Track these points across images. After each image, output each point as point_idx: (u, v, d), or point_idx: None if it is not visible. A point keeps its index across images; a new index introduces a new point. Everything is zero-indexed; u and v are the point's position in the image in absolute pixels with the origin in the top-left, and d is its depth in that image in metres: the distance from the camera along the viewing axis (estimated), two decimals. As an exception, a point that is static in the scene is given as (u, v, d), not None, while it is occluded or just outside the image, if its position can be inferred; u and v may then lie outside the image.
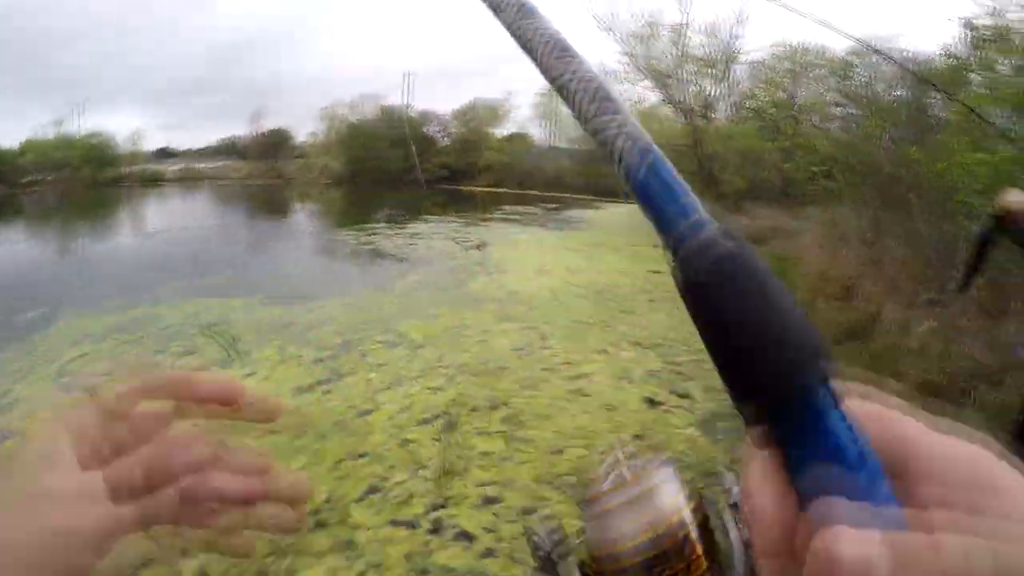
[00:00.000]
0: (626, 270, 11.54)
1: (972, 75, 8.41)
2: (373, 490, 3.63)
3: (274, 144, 49.10)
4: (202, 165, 48.62)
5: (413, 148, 42.39)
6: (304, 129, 50.64)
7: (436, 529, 3.31)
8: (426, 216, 20.13)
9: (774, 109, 25.22)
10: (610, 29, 25.64)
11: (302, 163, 47.45)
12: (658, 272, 11.57)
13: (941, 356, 5.07)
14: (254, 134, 49.67)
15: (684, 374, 5.95)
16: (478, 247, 13.65)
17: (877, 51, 10.96)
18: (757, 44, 32.31)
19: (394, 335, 6.59)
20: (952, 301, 4.58)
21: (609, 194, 37.55)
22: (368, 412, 4.66)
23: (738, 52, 26.08)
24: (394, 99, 48.17)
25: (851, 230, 11.04)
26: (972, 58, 8.91)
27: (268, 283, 9.17)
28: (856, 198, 12.27)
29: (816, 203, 15.45)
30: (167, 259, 11.98)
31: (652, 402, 5.23)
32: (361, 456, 4.01)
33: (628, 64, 26.78)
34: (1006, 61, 7.74)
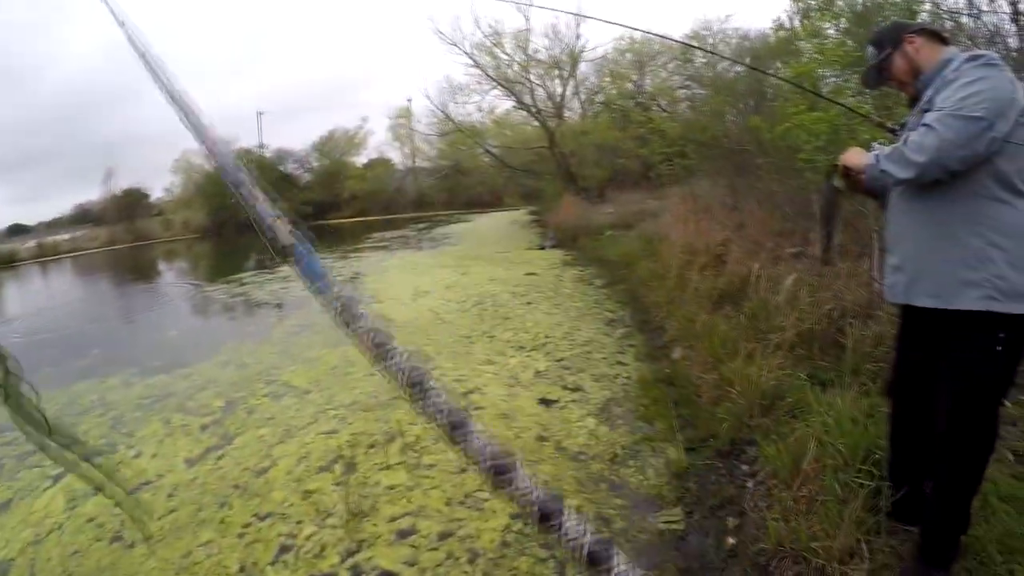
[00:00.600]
0: (500, 277, 11.66)
1: (803, 44, 8.87)
2: (284, 549, 3.46)
3: (130, 204, 47.10)
4: (58, 237, 45.93)
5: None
6: (160, 184, 48.66)
7: (356, 575, 3.22)
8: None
9: (623, 100, 26.03)
10: (455, 43, 25.95)
11: (162, 220, 45.77)
12: (532, 274, 11.73)
13: (811, 304, 5.30)
14: (108, 196, 47.53)
15: (572, 368, 6.05)
16: (351, 279, 13.46)
17: (690, 45, 11.51)
18: (600, 40, 33.21)
19: (279, 385, 6.37)
20: (823, 264, 4.79)
21: (474, 205, 37.89)
22: (265, 470, 4.47)
23: (582, 50, 26.81)
24: (247, 141, 46.96)
25: (712, 201, 11.48)
26: (801, 28, 9.43)
27: (142, 354, 8.70)
28: (711, 171, 12.80)
29: (675, 182, 16.05)
30: (33, 346, 11.21)
31: (546, 402, 5.28)
32: (266, 517, 3.83)
33: (477, 75, 27.16)
34: (833, 26, 8.20)
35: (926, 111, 2.37)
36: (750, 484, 3.66)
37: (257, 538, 3.60)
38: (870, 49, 2.75)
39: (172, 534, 3.76)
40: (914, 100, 2.62)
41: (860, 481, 2.96)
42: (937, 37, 2.60)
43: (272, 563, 3.35)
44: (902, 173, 2.32)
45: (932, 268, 2.40)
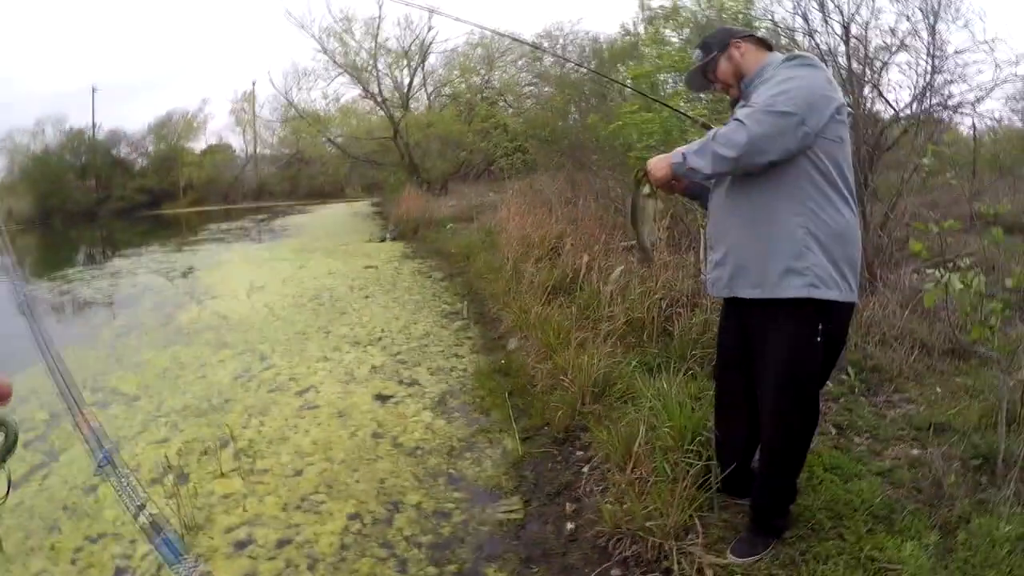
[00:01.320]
0: (338, 271, 11.48)
1: (646, 49, 9.18)
2: (120, 572, 3.20)
3: (-56, 192, 42.93)
4: None
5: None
6: (-21, 168, 44.15)
7: (196, 592, 3.06)
8: (128, 250, 18.67)
9: (470, 94, 26.16)
10: (303, 26, 25.25)
11: (-19, 209, 41.94)
12: (371, 267, 11.61)
13: (641, 294, 5.50)
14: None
15: (408, 362, 6.05)
16: (184, 275, 12.86)
17: (538, 47, 11.79)
18: (451, 32, 33.27)
19: (105, 392, 5.89)
20: (641, 265, 5.00)
21: (316, 196, 36.94)
22: (95, 487, 4.06)
23: (432, 42, 26.68)
24: (78, 120, 43.30)
25: (551, 195, 11.74)
26: (645, 34, 9.78)
27: (-47, 360, 7.97)
28: (552, 166, 13.11)
29: (516, 176, 16.33)
30: None
31: (382, 397, 5.24)
32: (99, 538, 3.54)
33: (325, 61, 26.52)
34: (676, 35, 8.54)
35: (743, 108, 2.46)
36: (585, 469, 3.77)
37: (91, 562, 3.34)
38: (697, 52, 2.83)
39: (-1, 567, 3.45)
40: (735, 101, 2.73)
41: (689, 461, 3.09)
42: (763, 44, 2.71)
43: (108, 588, 3.14)
44: (710, 167, 2.38)
45: (754, 259, 2.49)
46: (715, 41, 2.74)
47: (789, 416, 2.56)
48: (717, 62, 2.70)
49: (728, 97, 2.88)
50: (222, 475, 4.08)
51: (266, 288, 10.26)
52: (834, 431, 3.65)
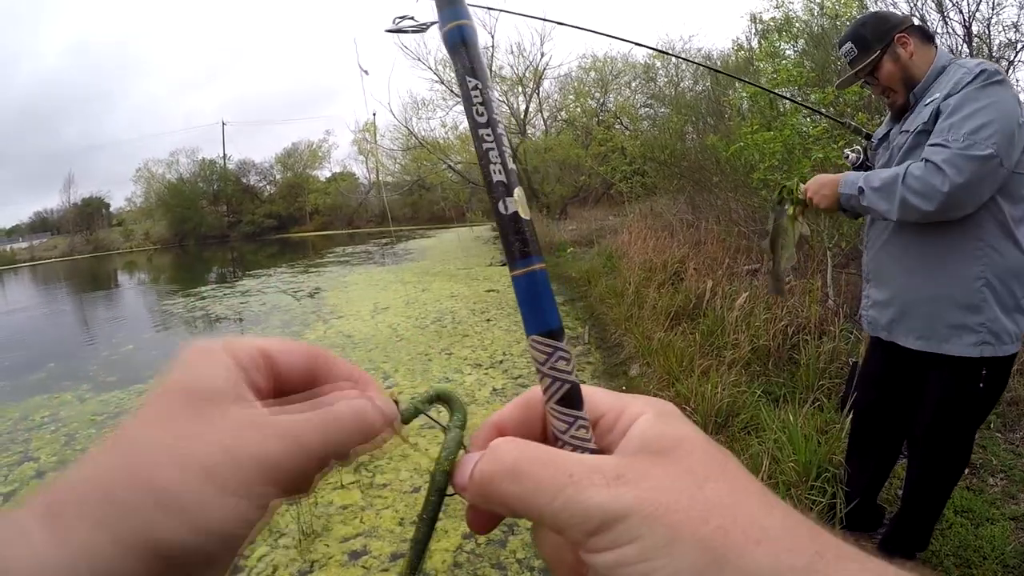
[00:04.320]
0: (461, 294, 11.62)
1: (761, 64, 9.00)
2: (236, 571, 3.36)
3: (90, 214, 46.56)
4: (15, 246, 44.99)
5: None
6: (121, 193, 48.39)
7: (306, 597, 3.16)
8: (257, 270, 19.56)
9: (585, 118, 26.34)
10: (419, 59, 26.15)
11: (123, 231, 45.25)
12: (493, 291, 11.71)
13: (766, 320, 5.34)
14: (67, 204, 46.95)
15: (528, 386, 5.96)
16: (310, 295, 13.34)
17: (664, 53, 11.70)
18: (563, 58, 33.75)
19: None
20: (774, 293, 4.80)
21: (437, 221, 37.76)
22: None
23: (545, 67, 27.12)
24: (210, 151, 46.76)
25: (672, 218, 11.58)
26: (759, 48, 9.58)
27: (98, 368, 8.43)
28: (671, 189, 12.93)
29: (636, 199, 16.19)
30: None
31: (502, 420, 5.22)
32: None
33: (441, 91, 27.32)
34: (790, 47, 8.33)
35: (921, 132, 2.18)
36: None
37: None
38: (847, 46, 2.41)
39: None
40: (900, 109, 2.38)
41: (813, 497, 2.97)
42: (926, 35, 2.33)
43: (223, 585, 3.26)
44: (896, 213, 2.12)
45: (922, 307, 2.28)
46: (872, 34, 2.33)
47: (942, 458, 2.40)
48: (880, 64, 2.33)
49: (882, 98, 2.47)
50: (342, 487, 4.18)
51: (390, 309, 10.49)
52: (967, 470, 3.45)
